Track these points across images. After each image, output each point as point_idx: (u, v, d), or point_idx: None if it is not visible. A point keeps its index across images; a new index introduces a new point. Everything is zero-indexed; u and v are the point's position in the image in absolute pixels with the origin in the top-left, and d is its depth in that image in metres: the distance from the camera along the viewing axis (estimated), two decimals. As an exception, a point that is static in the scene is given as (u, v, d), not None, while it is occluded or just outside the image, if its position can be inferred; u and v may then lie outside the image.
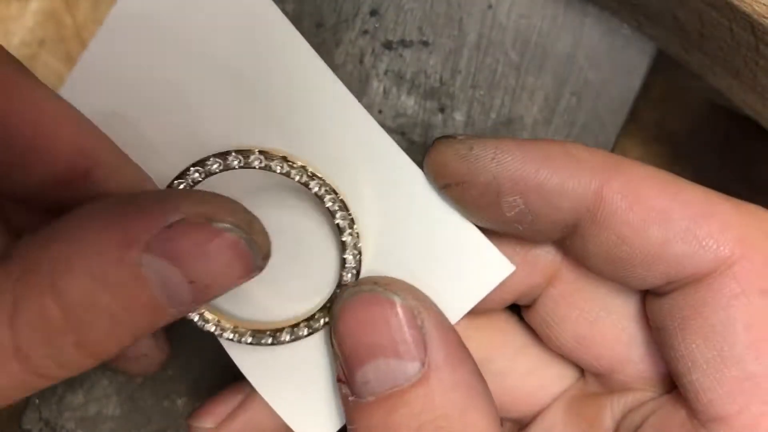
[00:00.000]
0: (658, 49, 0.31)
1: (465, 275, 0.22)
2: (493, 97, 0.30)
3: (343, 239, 0.22)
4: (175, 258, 0.18)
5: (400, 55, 0.30)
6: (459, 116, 0.30)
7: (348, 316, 0.21)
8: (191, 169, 0.22)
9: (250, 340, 0.23)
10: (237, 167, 0.22)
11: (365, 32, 0.30)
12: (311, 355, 0.23)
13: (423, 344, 0.20)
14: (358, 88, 0.30)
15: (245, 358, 0.24)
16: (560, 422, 0.24)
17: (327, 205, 0.22)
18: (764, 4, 0.23)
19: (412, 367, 0.20)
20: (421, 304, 0.21)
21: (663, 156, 0.38)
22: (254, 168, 0.22)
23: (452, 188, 0.21)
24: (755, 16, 0.23)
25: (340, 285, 0.22)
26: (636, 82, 0.30)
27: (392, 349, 0.20)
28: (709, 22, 0.25)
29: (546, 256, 0.23)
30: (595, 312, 0.23)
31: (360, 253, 0.22)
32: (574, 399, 0.25)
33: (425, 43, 0.30)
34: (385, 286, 0.21)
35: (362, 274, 0.22)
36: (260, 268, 0.19)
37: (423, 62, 0.30)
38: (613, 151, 0.31)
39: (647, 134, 0.38)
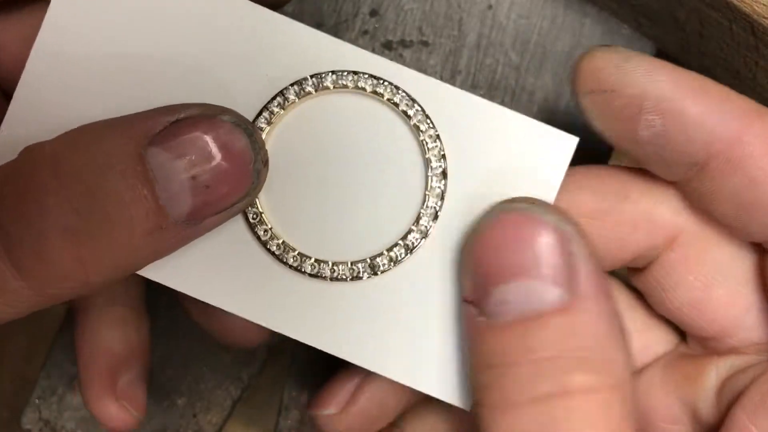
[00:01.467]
0: (658, 49, 0.31)
1: (538, 165, 0.22)
2: (493, 97, 0.30)
3: (428, 157, 0.22)
4: (176, 150, 0.18)
5: (400, 55, 0.30)
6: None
7: (496, 231, 0.20)
8: (273, 101, 0.22)
9: (343, 271, 0.22)
10: (313, 91, 0.21)
11: (365, 32, 0.30)
12: (400, 299, 0.22)
13: (571, 271, 0.19)
14: (358, 88, 0.30)
15: (334, 337, 0.22)
16: (658, 382, 0.24)
17: (414, 121, 0.21)
18: (764, 4, 0.23)
19: (556, 293, 0.19)
20: (575, 230, 0.20)
21: (663, 156, 0.38)
22: (329, 88, 0.21)
23: (596, 95, 0.21)
24: (755, 17, 0.23)
25: (426, 207, 0.22)
26: (636, 82, 0.30)
27: (538, 272, 0.19)
28: (709, 23, 0.25)
29: (668, 219, 0.23)
30: (711, 276, 0.23)
31: (446, 174, 0.22)
32: (674, 359, 0.24)
33: (425, 43, 0.30)
34: (542, 207, 0.20)
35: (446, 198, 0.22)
36: (259, 175, 0.20)
37: (423, 62, 0.30)
38: (611, 151, 0.31)
39: (647, 134, 0.38)
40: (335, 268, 0.22)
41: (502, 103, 0.30)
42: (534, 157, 0.22)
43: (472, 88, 0.30)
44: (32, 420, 0.31)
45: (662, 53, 0.31)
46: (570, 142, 0.22)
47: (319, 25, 0.30)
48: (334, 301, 0.22)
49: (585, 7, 0.30)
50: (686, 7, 0.26)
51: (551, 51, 0.30)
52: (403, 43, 0.30)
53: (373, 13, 0.30)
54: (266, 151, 0.21)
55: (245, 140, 0.19)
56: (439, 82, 0.22)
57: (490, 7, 0.30)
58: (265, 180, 0.21)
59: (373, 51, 0.30)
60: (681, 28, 0.27)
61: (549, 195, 0.22)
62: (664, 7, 0.27)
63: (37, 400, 0.31)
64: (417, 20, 0.30)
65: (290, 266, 0.22)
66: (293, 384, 0.33)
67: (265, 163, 0.20)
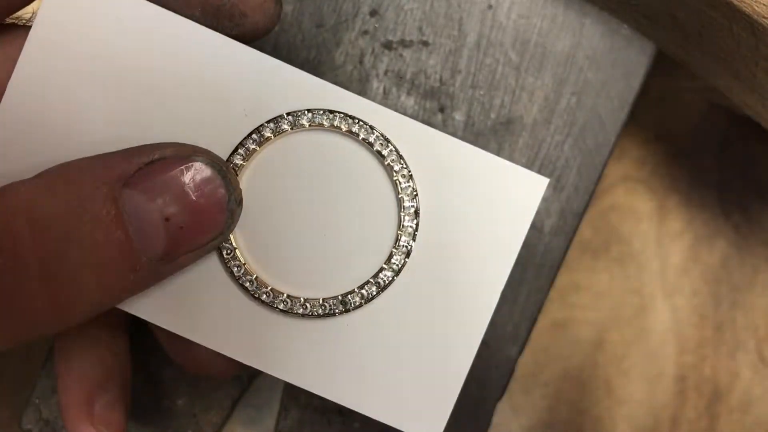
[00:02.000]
0: (658, 49, 0.31)
1: (510, 205, 0.22)
2: (493, 97, 0.30)
3: (401, 196, 0.22)
4: (151, 191, 0.18)
5: (400, 56, 0.30)
6: (459, 116, 0.30)
7: None
8: (249, 137, 0.22)
9: (315, 308, 0.22)
10: (289, 129, 0.22)
11: (365, 32, 0.30)
12: (372, 335, 0.23)
13: None
14: (358, 88, 0.30)
15: (304, 371, 0.23)
16: None
17: (388, 161, 0.22)
18: (764, 4, 0.23)
19: None
20: None
21: (663, 156, 0.38)
22: (305, 126, 0.22)
23: None
24: (755, 17, 0.23)
25: (398, 246, 0.22)
26: (636, 82, 0.30)
27: None
28: (709, 23, 0.25)
29: None
30: None
31: (418, 213, 0.22)
32: None
33: (425, 43, 0.30)
34: None
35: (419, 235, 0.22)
36: (233, 214, 0.20)
37: (423, 62, 0.30)
38: (612, 151, 0.31)
39: (647, 134, 0.38)
40: (307, 304, 0.22)
41: (502, 103, 0.30)
42: (506, 196, 0.22)
43: (472, 88, 0.30)
44: (32, 420, 0.31)
45: (662, 53, 0.31)
46: (541, 184, 0.22)
47: (319, 26, 0.30)
48: (306, 337, 0.22)
49: (585, 7, 0.30)
50: (686, 7, 0.26)
51: (551, 51, 0.30)
52: (403, 43, 0.30)
53: (373, 13, 0.30)
54: (240, 190, 0.21)
55: (219, 180, 0.20)
56: (414, 122, 0.22)
57: (490, 6, 0.30)
58: (238, 219, 0.21)
59: (373, 51, 0.30)
60: (681, 28, 0.27)
61: (519, 234, 0.22)
62: (664, 7, 0.27)
63: (37, 400, 0.31)
64: (417, 20, 0.30)
65: (263, 302, 0.22)
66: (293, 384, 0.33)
67: (239, 202, 0.21)
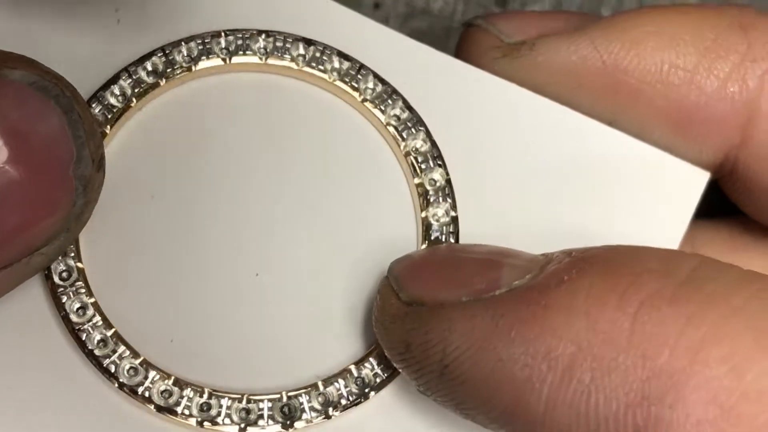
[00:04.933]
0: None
1: (656, 210, 0.16)
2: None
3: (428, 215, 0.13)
4: None
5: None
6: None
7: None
8: (119, 77, 0.13)
9: (234, 416, 0.12)
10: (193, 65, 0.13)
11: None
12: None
13: None
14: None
15: None
16: None
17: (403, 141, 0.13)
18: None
19: None
20: None
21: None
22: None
23: None
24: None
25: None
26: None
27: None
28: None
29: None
30: None
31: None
32: None
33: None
34: None
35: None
36: (86, 189, 0.11)
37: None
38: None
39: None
40: (211, 403, 0.12)
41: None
42: (656, 197, 0.16)
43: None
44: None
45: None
46: (702, 178, 0.16)
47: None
48: None
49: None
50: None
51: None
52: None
53: (377, 6, 0.30)
54: (102, 145, 0.12)
55: (58, 120, 0.11)
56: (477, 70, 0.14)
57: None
58: (96, 199, 0.12)
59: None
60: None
61: (676, 235, 0.16)
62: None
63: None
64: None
65: (130, 391, 0.12)
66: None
67: (99, 164, 0.11)
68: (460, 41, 0.17)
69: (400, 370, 0.13)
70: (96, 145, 0.11)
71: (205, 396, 0.12)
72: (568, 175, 0.15)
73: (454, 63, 0.14)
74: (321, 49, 0.13)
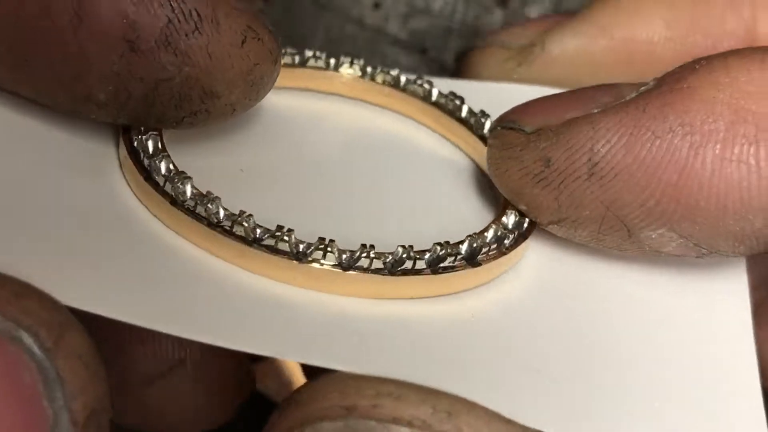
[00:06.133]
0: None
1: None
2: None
3: None
4: None
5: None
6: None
7: None
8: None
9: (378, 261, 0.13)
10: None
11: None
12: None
13: None
14: None
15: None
16: None
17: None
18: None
19: None
20: None
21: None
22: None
23: None
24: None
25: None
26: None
27: None
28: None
29: None
30: None
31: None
32: None
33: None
34: None
35: None
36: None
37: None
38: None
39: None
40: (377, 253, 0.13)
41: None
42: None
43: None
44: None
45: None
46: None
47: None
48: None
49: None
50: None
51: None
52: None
53: (376, 6, 0.30)
54: (98, 398, 0.10)
55: (30, 378, 0.09)
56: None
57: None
58: None
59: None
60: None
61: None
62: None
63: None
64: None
65: (259, 243, 0.13)
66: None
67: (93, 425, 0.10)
68: (469, 66, 0.18)
69: (537, 200, 0.14)
70: (83, 404, 0.09)
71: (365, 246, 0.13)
72: None
73: (474, 85, 0.17)
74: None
